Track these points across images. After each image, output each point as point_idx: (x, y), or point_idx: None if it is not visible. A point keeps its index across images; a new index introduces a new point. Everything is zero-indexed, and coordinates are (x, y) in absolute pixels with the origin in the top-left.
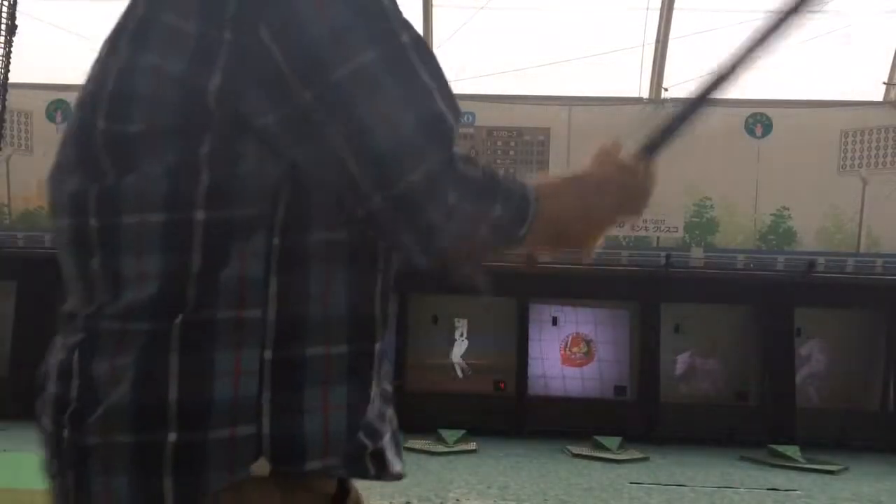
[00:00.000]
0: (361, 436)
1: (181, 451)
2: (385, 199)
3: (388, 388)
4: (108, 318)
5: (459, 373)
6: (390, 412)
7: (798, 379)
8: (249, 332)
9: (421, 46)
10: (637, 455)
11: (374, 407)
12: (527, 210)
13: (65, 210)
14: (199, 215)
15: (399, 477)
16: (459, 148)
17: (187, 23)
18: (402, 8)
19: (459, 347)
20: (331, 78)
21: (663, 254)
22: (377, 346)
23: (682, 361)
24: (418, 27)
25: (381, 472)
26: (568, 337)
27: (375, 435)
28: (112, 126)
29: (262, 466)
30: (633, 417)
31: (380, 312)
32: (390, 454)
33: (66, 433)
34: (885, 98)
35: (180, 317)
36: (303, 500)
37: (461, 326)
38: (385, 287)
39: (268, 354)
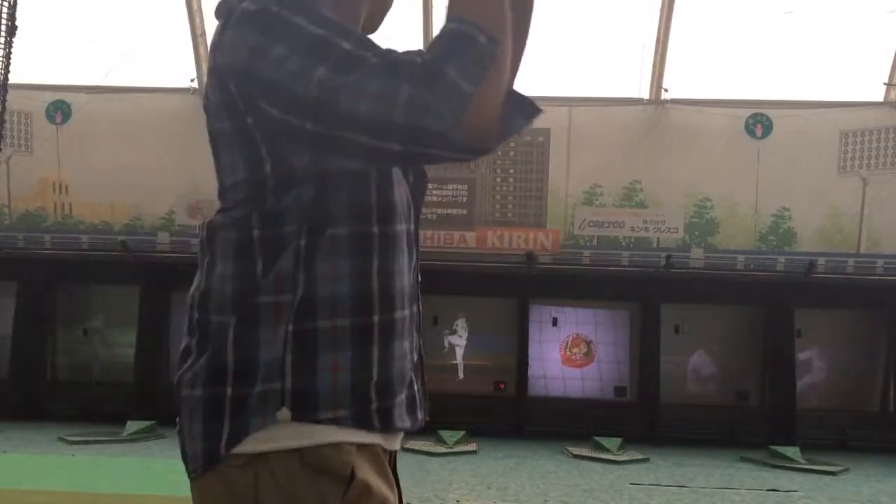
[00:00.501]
0: (368, 392)
1: (233, 401)
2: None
3: (414, 355)
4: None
5: (461, 373)
6: (411, 376)
7: (798, 380)
8: (282, 312)
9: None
10: (637, 456)
11: (387, 368)
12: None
13: None
14: (256, 233)
15: (403, 430)
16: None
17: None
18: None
19: (459, 347)
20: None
21: (663, 254)
22: (376, 317)
23: (691, 362)
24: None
25: (386, 425)
26: (568, 337)
27: (384, 393)
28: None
29: (284, 414)
30: (634, 418)
31: (378, 288)
32: (398, 412)
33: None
34: (885, 98)
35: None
36: (321, 480)
37: (459, 328)
38: (385, 266)
39: (290, 327)
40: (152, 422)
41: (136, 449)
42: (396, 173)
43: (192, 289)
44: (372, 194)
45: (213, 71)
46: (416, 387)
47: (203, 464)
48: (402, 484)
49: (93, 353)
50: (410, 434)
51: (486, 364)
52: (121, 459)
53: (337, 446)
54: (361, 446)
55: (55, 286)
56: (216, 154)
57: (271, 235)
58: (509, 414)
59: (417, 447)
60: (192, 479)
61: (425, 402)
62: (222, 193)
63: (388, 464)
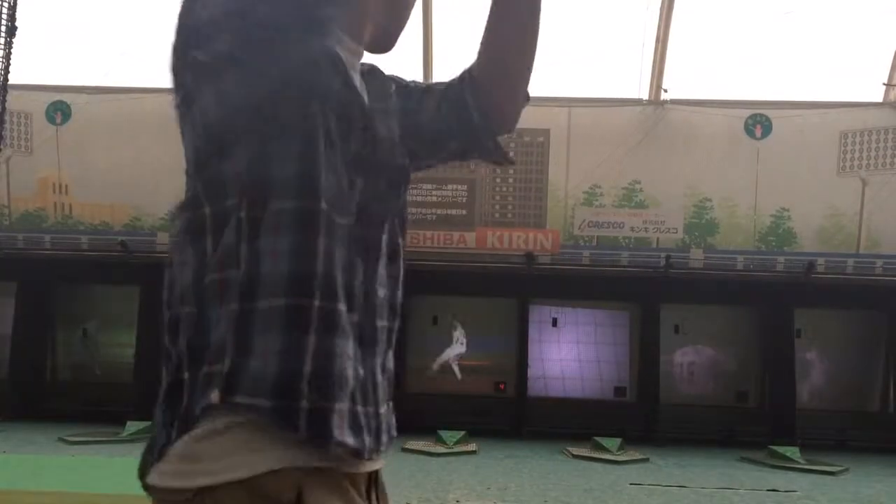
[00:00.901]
0: (298, 385)
1: (188, 384)
2: None
3: (378, 375)
4: None
5: (458, 373)
6: (368, 395)
7: (798, 380)
8: (229, 289)
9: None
10: (637, 456)
11: (327, 364)
12: None
13: None
14: (207, 210)
15: (345, 447)
16: None
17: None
18: None
19: (454, 349)
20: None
21: (663, 255)
22: (316, 301)
23: (691, 362)
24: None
25: (316, 434)
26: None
27: (320, 392)
28: None
29: (215, 396)
30: (633, 418)
31: (323, 270)
32: (337, 420)
33: None
34: (884, 99)
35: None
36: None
37: (458, 330)
38: (331, 248)
39: (235, 307)
40: (152, 422)
41: (136, 449)
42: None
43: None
44: (321, 170)
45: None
46: (371, 408)
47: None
48: (402, 484)
49: (92, 354)
50: (409, 438)
51: (486, 364)
52: (120, 459)
53: (277, 473)
54: (312, 471)
55: (55, 286)
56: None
57: (219, 210)
58: (509, 414)
59: (417, 447)
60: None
61: (389, 430)
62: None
63: (362, 486)
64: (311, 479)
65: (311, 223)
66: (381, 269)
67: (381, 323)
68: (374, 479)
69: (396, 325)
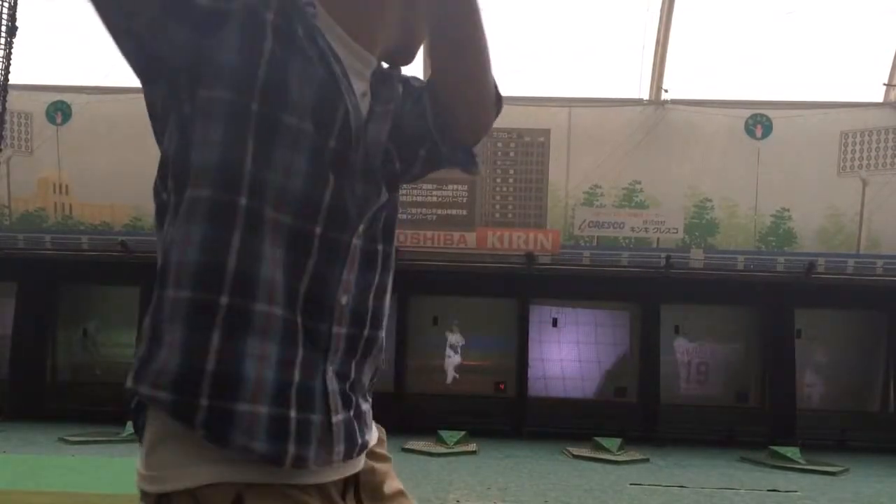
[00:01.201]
0: (197, 382)
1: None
2: None
3: (332, 382)
4: None
5: (450, 378)
6: (321, 398)
7: (798, 380)
8: (161, 275)
9: None
10: (637, 456)
11: (233, 364)
12: None
13: None
14: (164, 196)
15: (258, 454)
16: None
17: None
18: None
19: (453, 359)
20: None
21: (663, 255)
22: (224, 298)
23: (691, 362)
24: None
25: (215, 436)
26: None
27: (222, 392)
28: None
29: (129, 380)
30: (634, 419)
31: (236, 266)
32: (244, 423)
33: None
34: (885, 99)
35: None
36: None
37: (455, 334)
38: (254, 247)
39: (156, 293)
40: None
41: (137, 449)
42: (315, 166)
43: None
44: (247, 162)
45: None
46: (314, 415)
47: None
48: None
49: (93, 354)
50: (409, 438)
51: (486, 365)
52: (121, 460)
53: (216, 486)
54: (254, 486)
55: (55, 286)
56: None
57: (166, 194)
58: (509, 414)
59: (418, 447)
60: None
61: (351, 437)
62: None
63: (331, 491)
64: (251, 491)
65: (225, 215)
66: (347, 275)
67: (340, 329)
68: (352, 482)
69: (368, 332)
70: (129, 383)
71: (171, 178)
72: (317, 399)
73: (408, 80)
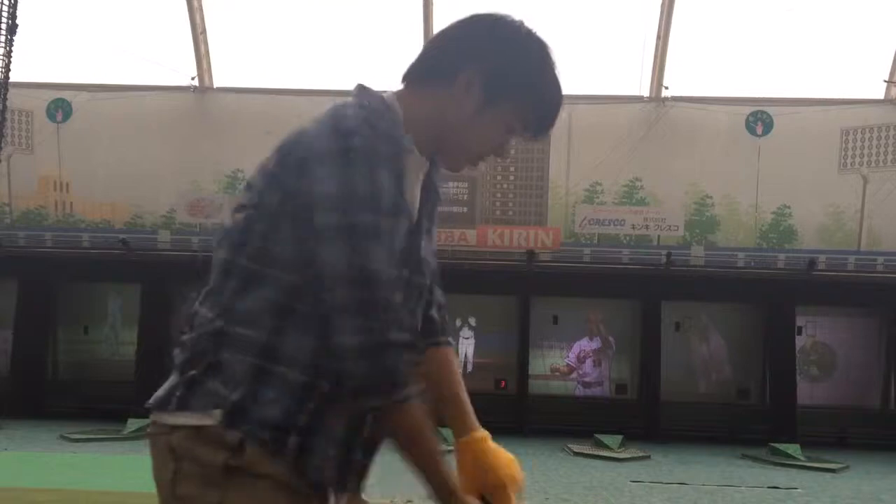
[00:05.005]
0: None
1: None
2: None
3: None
4: None
5: None
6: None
7: (798, 377)
8: (269, 348)
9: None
10: (638, 453)
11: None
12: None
13: None
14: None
15: (319, 483)
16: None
17: (273, 160)
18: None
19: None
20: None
21: (664, 252)
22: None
23: (692, 359)
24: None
25: (301, 467)
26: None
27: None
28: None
29: (216, 415)
30: (634, 416)
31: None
32: (319, 461)
33: None
34: (885, 96)
35: None
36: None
37: (465, 328)
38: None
39: (252, 360)
40: None
41: (138, 446)
42: None
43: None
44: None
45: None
46: (351, 455)
47: (157, 406)
48: (403, 482)
49: (94, 351)
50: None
51: (487, 362)
52: (122, 457)
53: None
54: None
55: (56, 284)
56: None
57: (270, 275)
58: (510, 412)
59: None
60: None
61: (362, 475)
62: None
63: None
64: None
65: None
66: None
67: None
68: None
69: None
70: (215, 417)
71: (296, 288)
72: (360, 445)
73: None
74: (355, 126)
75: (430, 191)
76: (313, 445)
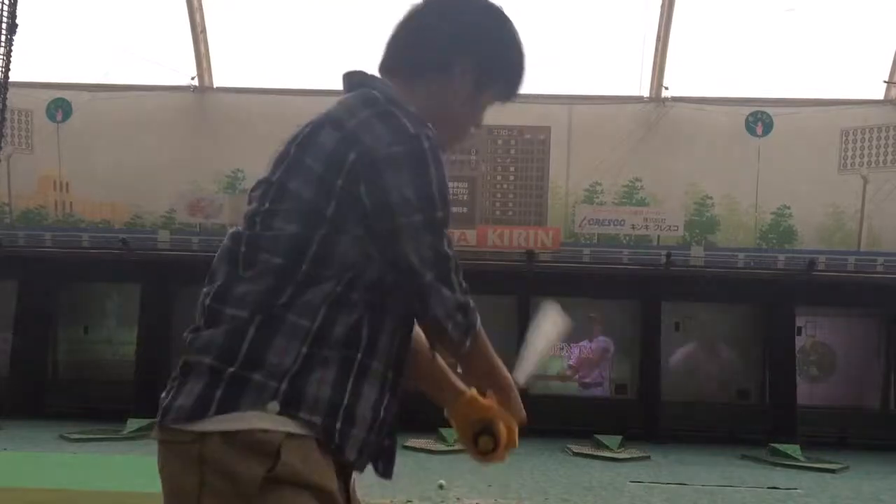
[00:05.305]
0: (336, 411)
1: (232, 378)
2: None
3: (381, 412)
4: None
5: None
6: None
7: (798, 377)
8: (318, 334)
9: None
10: (638, 454)
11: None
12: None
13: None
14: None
15: (349, 463)
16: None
17: (318, 165)
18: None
19: None
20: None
21: (664, 252)
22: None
23: (692, 360)
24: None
25: (340, 448)
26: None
27: (348, 419)
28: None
29: (273, 406)
30: (634, 416)
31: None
32: (353, 442)
33: None
34: (885, 97)
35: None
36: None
37: None
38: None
39: (304, 350)
40: (153, 419)
41: (137, 446)
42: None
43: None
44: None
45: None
46: (374, 438)
47: (188, 416)
48: (403, 481)
49: (94, 351)
50: (409, 436)
51: None
52: (121, 457)
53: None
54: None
55: (56, 284)
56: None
57: (313, 273)
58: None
59: (418, 445)
60: (162, 428)
61: (385, 458)
62: None
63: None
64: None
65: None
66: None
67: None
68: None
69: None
70: (272, 408)
71: (352, 280)
72: (381, 428)
73: None
74: (418, 129)
75: None
76: (356, 414)
